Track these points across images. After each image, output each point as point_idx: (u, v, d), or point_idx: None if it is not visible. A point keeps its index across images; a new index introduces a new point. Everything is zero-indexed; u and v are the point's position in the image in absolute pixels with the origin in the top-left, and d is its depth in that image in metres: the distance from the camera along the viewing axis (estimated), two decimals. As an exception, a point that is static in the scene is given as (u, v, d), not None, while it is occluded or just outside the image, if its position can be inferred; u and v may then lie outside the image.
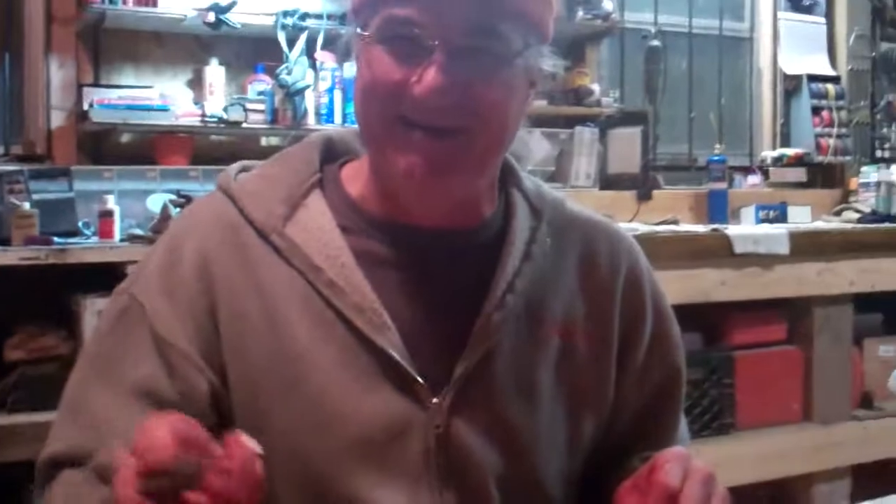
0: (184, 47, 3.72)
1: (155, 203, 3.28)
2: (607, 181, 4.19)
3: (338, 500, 1.05)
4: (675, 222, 3.98)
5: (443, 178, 1.05)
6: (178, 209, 3.05)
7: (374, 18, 1.03)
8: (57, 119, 3.50)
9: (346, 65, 3.68)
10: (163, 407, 1.04)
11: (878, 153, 4.82)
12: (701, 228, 3.77)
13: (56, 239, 2.93)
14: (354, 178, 1.16)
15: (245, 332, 1.08)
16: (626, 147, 4.20)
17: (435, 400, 1.07)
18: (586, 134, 4.10)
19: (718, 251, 3.41)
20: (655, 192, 4.24)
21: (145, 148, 3.55)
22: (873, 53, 4.87)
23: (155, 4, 3.43)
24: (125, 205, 3.27)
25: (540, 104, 4.05)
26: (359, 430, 1.06)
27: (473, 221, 1.15)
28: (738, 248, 3.42)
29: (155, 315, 1.08)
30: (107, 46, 3.61)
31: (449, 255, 1.13)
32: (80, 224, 3.20)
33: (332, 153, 1.20)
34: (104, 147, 3.57)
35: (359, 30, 1.06)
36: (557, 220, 1.20)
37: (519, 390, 1.12)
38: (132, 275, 1.14)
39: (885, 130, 4.86)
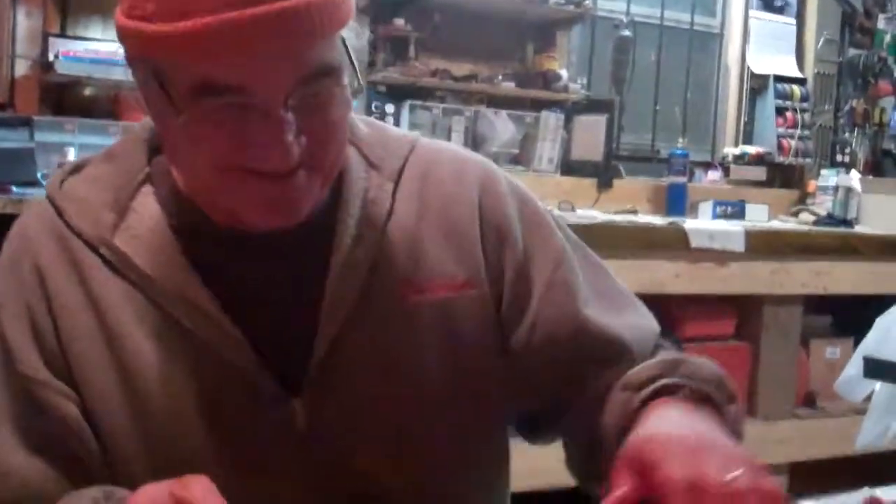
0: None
1: (115, 159, 3.24)
2: (569, 167, 4.20)
3: None
4: (634, 212, 4.01)
5: (294, 211, 0.98)
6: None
7: (180, 78, 0.90)
8: (21, 68, 3.44)
9: None
10: (43, 437, 1.01)
11: (839, 157, 4.86)
12: (658, 220, 3.80)
13: (14, 188, 2.90)
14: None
15: (85, 352, 1.02)
16: (591, 134, 4.21)
17: (294, 401, 1.03)
18: (552, 119, 4.12)
19: (675, 244, 3.44)
20: (616, 181, 4.26)
21: (108, 102, 3.50)
22: (840, 58, 4.91)
23: (127, -42, 3.38)
24: (85, 158, 3.23)
25: (508, 86, 4.07)
26: (214, 448, 1.01)
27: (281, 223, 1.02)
28: (694, 243, 3.45)
29: (11, 346, 1.02)
30: (75, -4, 3.56)
31: (287, 246, 1.04)
32: (38, 175, 3.16)
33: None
34: (66, 99, 3.52)
35: (161, 85, 0.92)
36: (395, 166, 1.11)
37: (384, 365, 1.06)
38: None
39: (846, 135, 4.91)
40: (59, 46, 3.38)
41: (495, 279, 1.12)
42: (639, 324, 1.18)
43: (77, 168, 1.10)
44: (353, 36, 0.98)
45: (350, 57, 0.97)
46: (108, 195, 1.04)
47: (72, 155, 3.12)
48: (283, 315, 1.04)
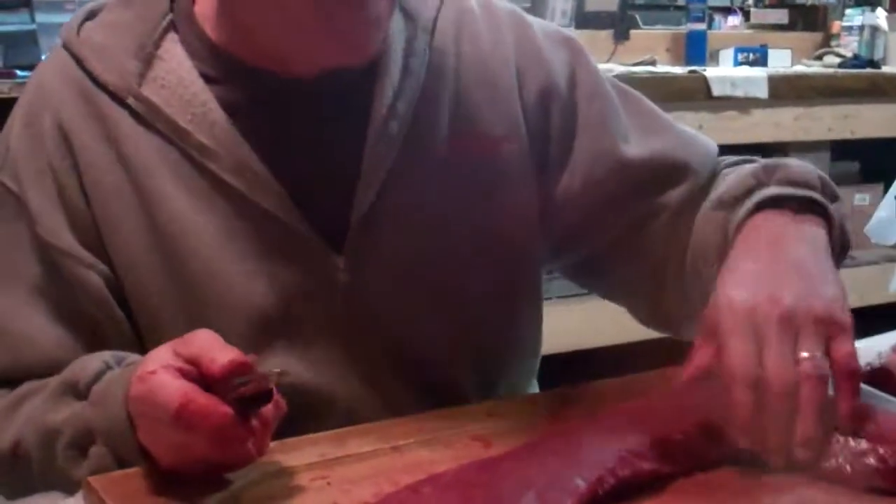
0: None
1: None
2: (584, 19, 4.08)
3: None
4: (653, 63, 3.91)
5: (369, 40, 0.96)
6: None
7: None
8: (15, -53, 3.36)
9: None
10: (62, 305, 0.99)
11: (864, -5, 4.73)
12: (678, 70, 3.70)
13: (19, 72, 2.84)
14: (211, 14, 1.02)
15: (118, 214, 0.99)
16: (606, -15, 4.10)
17: (336, 257, 1.00)
18: (565, -30, 4.00)
19: (696, 94, 3.35)
20: (633, 32, 4.14)
21: (109, -21, 3.42)
22: None
23: None
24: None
25: (518, -61, 3.94)
26: (256, 305, 0.99)
27: (358, 58, 0.99)
28: (716, 91, 3.37)
29: (32, 208, 0.99)
30: None
31: (323, 96, 1.01)
32: (42, 58, 3.10)
33: None
34: (66, -23, 3.44)
35: None
36: (429, 16, 1.07)
37: (423, 221, 1.04)
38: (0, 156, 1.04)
39: (871, -29, 4.77)
40: (54, -77, 3.29)
41: (536, 134, 1.10)
42: (690, 142, 1.15)
43: (91, 14, 1.05)
44: None
45: None
46: (131, 42, 1.00)
47: (74, 35, 3.05)
48: (323, 167, 1.01)
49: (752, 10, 4.54)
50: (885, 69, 4.09)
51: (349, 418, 1.00)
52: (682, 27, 4.27)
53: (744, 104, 3.44)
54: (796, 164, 1.03)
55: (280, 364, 0.97)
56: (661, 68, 3.79)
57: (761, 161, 1.08)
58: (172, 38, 1.01)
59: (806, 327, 0.82)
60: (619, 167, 1.11)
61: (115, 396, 0.86)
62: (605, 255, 1.15)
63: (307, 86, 1.00)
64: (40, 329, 0.99)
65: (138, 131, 0.99)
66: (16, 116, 1.04)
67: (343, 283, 1.01)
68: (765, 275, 0.89)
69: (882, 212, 2.68)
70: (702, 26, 4.22)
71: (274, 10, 0.93)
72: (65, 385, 0.93)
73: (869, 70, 4.00)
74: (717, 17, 4.49)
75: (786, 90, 3.54)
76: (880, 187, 3.80)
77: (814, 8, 4.63)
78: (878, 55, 4.29)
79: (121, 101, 0.99)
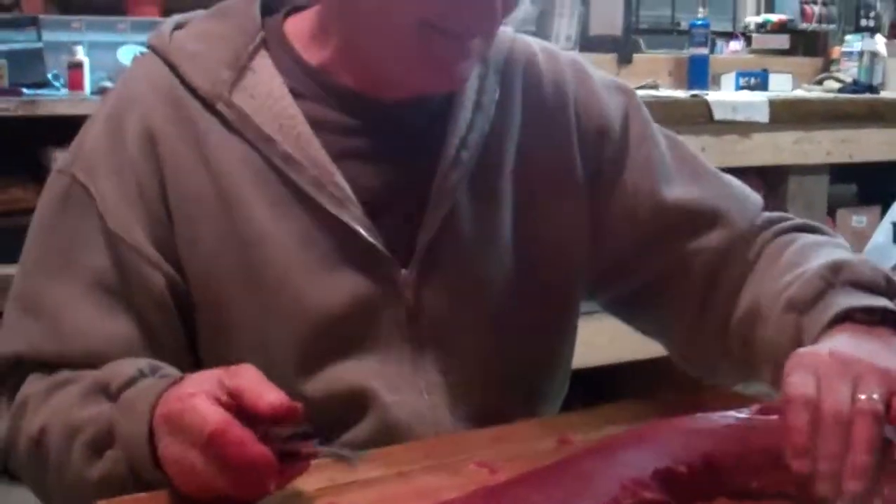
0: None
1: (126, 55, 3.20)
2: (588, 43, 4.11)
3: (310, 383, 1.03)
4: (655, 87, 3.94)
5: (463, 75, 1.04)
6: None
7: None
8: (24, -34, 3.38)
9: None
10: (119, 301, 1.01)
11: (863, 22, 4.74)
12: (681, 94, 3.73)
13: (25, 90, 2.87)
14: (303, 36, 1.08)
15: (197, 216, 1.02)
16: (608, 8, 4.13)
17: (403, 272, 1.05)
18: (568, -6, 4.03)
19: (698, 117, 3.38)
20: (636, 56, 4.18)
21: (115, -2, 3.43)
22: (863, -81, 4.77)
23: None
24: (95, 57, 3.18)
25: (522, -38, 3.96)
26: (325, 309, 1.02)
27: (450, 87, 1.08)
28: (718, 115, 3.39)
29: (103, 202, 1.01)
30: None
31: (403, 119, 1.09)
32: (49, 76, 3.12)
33: (268, 4, 1.11)
34: (72, -4, 3.45)
35: None
36: (500, 59, 1.14)
37: (484, 247, 1.10)
38: (71, 152, 1.06)
39: (870, -1, 4.80)
40: (62, -57, 3.31)
41: (590, 169, 1.16)
42: (731, 192, 1.20)
43: (180, 24, 1.09)
44: None
45: None
46: (224, 53, 1.05)
47: (80, 54, 3.07)
48: (398, 187, 1.07)
49: (754, 35, 4.57)
50: (884, 94, 4.14)
51: (387, 426, 1.04)
52: (685, 51, 4.30)
53: (745, 128, 3.46)
54: (861, 263, 1.03)
55: (337, 369, 1.03)
56: (664, 92, 3.82)
57: (824, 251, 1.09)
58: (263, 53, 1.06)
59: (867, 376, 0.83)
60: (657, 208, 1.16)
61: (143, 406, 0.87)
62: (641, 294, 1.20)
63: (391, 108, 1.07)
64: (93, 322, 1.00)
65: (226, 137, 1.02)
66: (97, 119, 1.06)
67: (407, 299, 1.05)
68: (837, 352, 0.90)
69: (879, 237, 2.70)
70: (704, 51, 4.24)
71: (378, 37, 1.00)
72: (97, 384, 0.95)
73: (868, 95, 4.04)
74: (720, 42, 4.51)
75: (786, 114, 3.56)
76: (878, 210, 3.82)
77: (814, 34, 4.66)
78: (877, 80, 4.33)
79: (210, 107, 1.03)
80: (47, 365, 1.01)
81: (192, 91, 1.03)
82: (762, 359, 1.06)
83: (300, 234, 1.02)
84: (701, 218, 1.16)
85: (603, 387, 2.71)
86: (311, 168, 1.02)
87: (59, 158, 1.07)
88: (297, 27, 1.09)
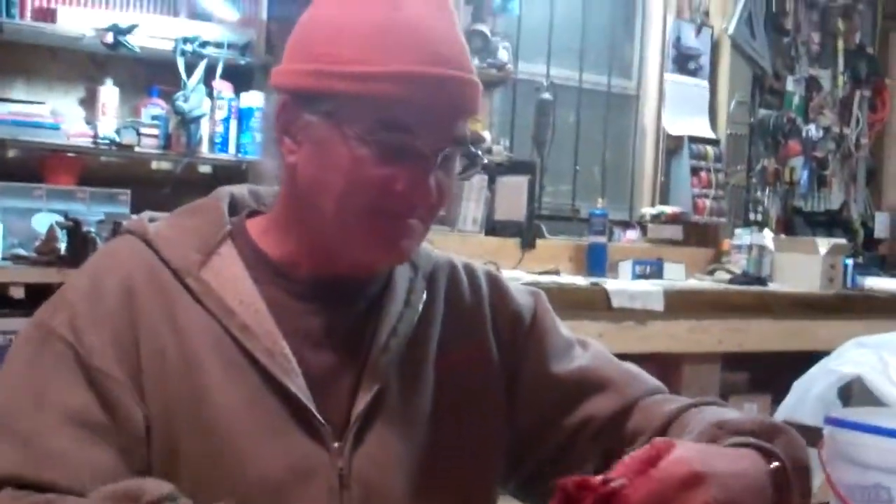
0: (78, 64, 3.67)
1: (40, 223, 3.22)
2: (493, 227, 4.26)
3: None
4: (557, 272, 4.08)
5: (406, 252, 1.17)
6: (64, 231, 3.01)
7: (359, 114, 1.09)
8: (-58, 130, 3.41)
9: (244, 95, 3.69)
10: (99, 434, 1.07)
11: (752, 216, 5.00)
12: (581, 281, 3.87)
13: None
14: (263, 233, 1.23)
15: (163, 370, 1.11)
16: (513, 195, 4.28)
17: (336, 444, 1.14)
18: (475, 180, 4.17)
19: (597, 304, 3.52)
20: (539, 241, 4.32)
21: (32, 165, 3.48)
22: (752, 119, 5.08)
23: (54, 21, 3.39)
24: (9, 222, 3.21)
25: (432, 147, 4.11)
26: (265, 472, 1.10)
27: (399, 261, 1.23)
28: (616, 303, 3.53)
29: (84, 346, 1.09)
30: (-1, 58, 3.55)
31: (346, 305, 1.21)
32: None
33: (233, 208, 1.26)
34: (-11, 161, 3.49)
35: (332, 119, 1.11)
36: (427, 267, 1.29)
37: (411, 421, 1.20)
38: (48, 307, 1.15)
39: (759, 194, 5.06)
40: (-19, 108, 3.35)
41: (504, 355, 1.29)
42: (622, 367, 1.33)
43: (153, 219, 1.23)
44: None
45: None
46: (195, 240, 1.19)
47: (-5, 218, 3.08)
48: (338, 364, 1.18)
49: (650, 225, 4.77)
50: (772, 286, 4.34)
51: None
52: (585, 239, 4.47)
53: (641, 316, 3.61)
54: (797, 442, 1.13)
55: None
56: (565, 278, 3.96)
57: (763, 416, 1.20)
58: (229, 243, 1.20)
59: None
60: (555, 381, 1.29)
61: None
62: (544, 472, 1.28)
63: (331, 291, 1.19)
64: (73, 450, 1.05)
65: (191, 304, 1.15)
66: (81, 275, 1.18)
67: (340, 468, 1.13)
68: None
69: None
70: (603, 239, 4.41)
71: (336, 227, 1.15)
72: (125, 494, 1.00)
73: (757, 287, 4.24)
74: (617, 230, 4.69)
75: (680, 303, 3.72)
76: (769, 398, 3.97)
77: (706, 226, 4.88)
78: (765, 272, 4.53)
79: (181, 280, 1.15)
80: (25, 485, 1.04)
81: (166, 264, 1.16)
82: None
83: (248, 398, 1.12)
84: (588, 384, 1.28)
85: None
86: (264, 339, 1.14)
87: (35, 314, 1.15)
88: (259, 226, 1.24)
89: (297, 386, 1.13)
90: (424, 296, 1.26)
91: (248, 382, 1.12)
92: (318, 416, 1.13)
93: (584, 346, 1.34)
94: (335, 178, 1.12)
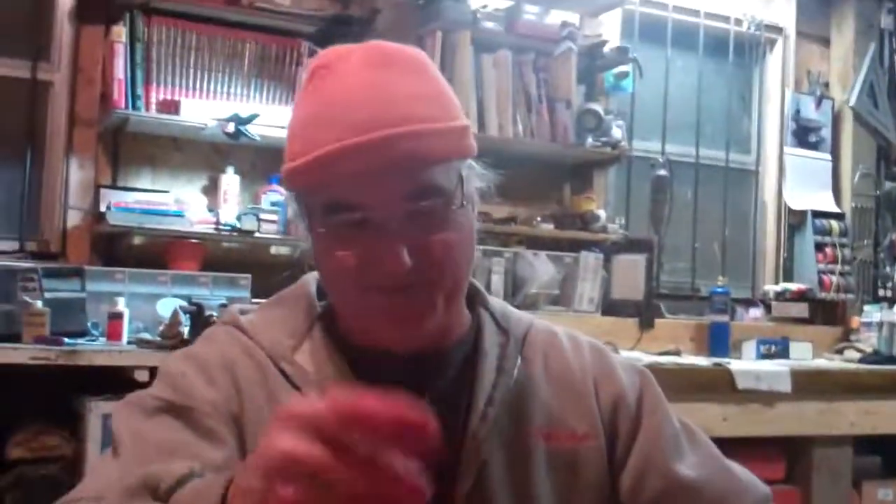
0: (201, 154, 3.78)
1: (165, 307, 3.30)
2: (610, 307, 4.21)
3: None
4: (678, 353, 3.99)
5: (415, 325, 1.10)
6: (187, 315, 3.07)
7: (315, 202, 1.08)
8: (73, 219, 3.54)
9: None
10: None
11: (881, 292, 4.86)
12: (703, 361, 3.78)
13: (66, 339, 2.94)
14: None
15: (257, 432, 1.09)
16: (630, 274, 4.23)
17: None
18: (591, 259, 4.14)
19: (721, 386, 3.42)
20: (657, 321, 4.27)
21: (157, 251, 3.57)
22: (877, 192, 4.96)
23: (177, 112, 3.50)
24: (135, 307, 3.28)
25: (547, 227, 4.12)
26: None
27: (448, 343, 1.18)
28: (741, 384, 3.43)
29: (194, 397, 1.10)
30: (126, 149, 3.67)
31: (429, 377, 1.16)
32: (89, 324, 3.21)
33: (322, 291, 1.24)
34: (117, 248, 3.60)
35: (307, 216, 1.11)
36: (519, 333, 1.25)
37: (517, 500, 1.15)
38: (158, 383, 1.15)
39: (888, 269, 4.91)
40: (110, 197, 3.48)
41: (608, 434, 1.23)
42: (741, 483, 1.27)
43: (244, 311, 1.24)
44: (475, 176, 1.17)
45: (462, 189, 1.11)
46: (286, 327, 1.19)
47: (122, 304, 3.17)
48: None
49: (773, 303, 4.66)
50: (905, 365, 4.16)
51: None
52: (706, 317, 4.38)
53: (768, 397, 3.49)
54: None
55: None
56: (687, 359, 3.87)
57: None
58: (318, 327, 1.19)
59: None
60: (667, 479, 1.22)
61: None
62: None
63: (411, 365, 1.12)
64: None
65: (287, 387, 1.14)
66: (176, 357, 1.18)
67: None
68: None
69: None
70: (725, 318, 4.32)
71: (349, 313, 1.15)
72: (145, 484, 0.98)
73: (890, 367, 4.07)
74: (739, 309, 4.60)
75: (809, 384, 3.60)
76: (903, 482, 3.80)
77: (833, 303, 4.75)
78: (897, 350, 4.37)
79: (275, 363, 1.15)
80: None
81: (261, 348, 1.17)
82: None
83: None
84: (708, 500, 1.22)
85: None
86: None
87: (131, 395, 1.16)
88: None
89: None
90: (518, 361, 1.22)
91: None
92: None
93: (693, 439, 1.28)
94: (323, 268, 1.13)
